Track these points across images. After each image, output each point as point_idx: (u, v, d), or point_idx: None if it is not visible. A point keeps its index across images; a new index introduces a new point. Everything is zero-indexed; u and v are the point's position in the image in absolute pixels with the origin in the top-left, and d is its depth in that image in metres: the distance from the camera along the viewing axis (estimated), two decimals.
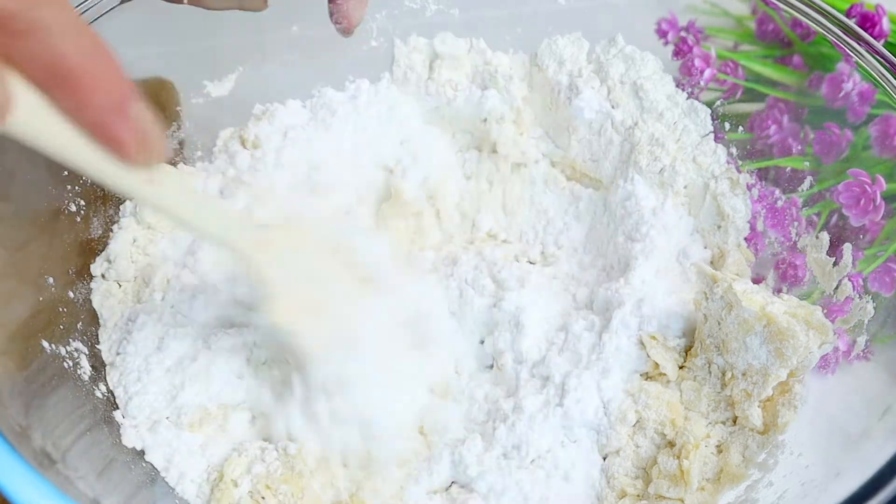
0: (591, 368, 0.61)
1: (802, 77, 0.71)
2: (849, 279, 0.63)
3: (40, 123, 0.38)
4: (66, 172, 0.65)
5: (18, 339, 0.57)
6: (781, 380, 0.57)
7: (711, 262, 0.69)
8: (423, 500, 0.58)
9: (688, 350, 0.63)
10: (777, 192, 0.70)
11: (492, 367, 0.67)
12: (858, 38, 0.65)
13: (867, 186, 0.63)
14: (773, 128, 0.71)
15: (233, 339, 0.63)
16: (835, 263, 0.64)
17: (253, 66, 0.76)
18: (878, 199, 0.63)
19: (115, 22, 0.67)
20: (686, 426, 0.59)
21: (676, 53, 0.75)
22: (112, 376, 0.61)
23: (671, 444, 0.59)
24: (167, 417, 0.60)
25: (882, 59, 0.64)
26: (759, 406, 0.58)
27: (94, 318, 0.65)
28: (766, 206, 0.70)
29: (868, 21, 0.75)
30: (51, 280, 0.62)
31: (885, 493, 0.46)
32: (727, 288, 0.59)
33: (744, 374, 0.59)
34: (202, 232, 0.53)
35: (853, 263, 0.63)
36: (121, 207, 0.69)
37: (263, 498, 0.57)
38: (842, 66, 0.66)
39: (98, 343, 0.64)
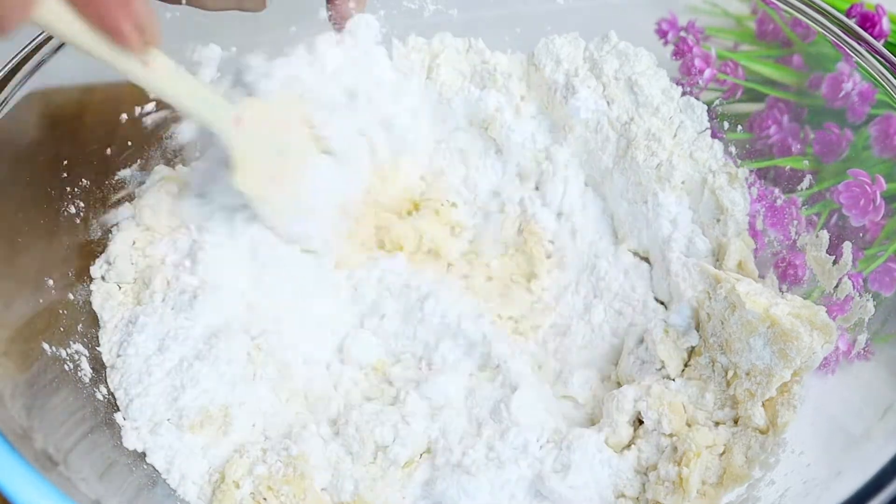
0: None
1: (802, 77, 0.71)
2: (849, 277, 0.63)
3: (57, 15, 0.44)
4: (65, 174, 0.65)
5: (19, 341, 0.57)
6: (785, 380, 0.58)
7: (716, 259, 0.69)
8: None
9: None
10: (777, 191, 0.70)
11: None
12: (858, 38, 0.65)
13: (867, 186, 0.63)
14: (773, 128, 0.71)
15: (233, 340, 0.63)
16: (835, 262, 0.64)
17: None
18: (878, 199, 0.63)
19: None
20: (689, 433, 0.59)
21: (676, 53, 0.75)
22: (112, 378, 0.61)
23: (674, 449, 0.59)
24: (168, 419, 0.59)
25: (882, 59, 0.64)
26: (762, 406, 0.58)
27: (94, 321, 0.65)
28: (765, 205, 0.70)
29: (868, 21, 0.75)
30: (50, 282, 0.62)
31: (887, 492, 0.46)
32: (730, 289, 0.59)
33: (747, 374, 0.59)
34: (187, 110, 0.59)
35: (853, 263, 0.63)
36: (119, 209, 0.69)
37: (265, 499, 0.57)
38: (842, 66, 0.66)
39: (98, 345, 0.63)
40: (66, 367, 0.59)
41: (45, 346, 0.58)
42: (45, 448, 0.49)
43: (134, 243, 0.68)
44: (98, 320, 0.65)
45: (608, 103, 0.73)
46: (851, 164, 0.66)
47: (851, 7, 0.77)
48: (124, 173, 0.71)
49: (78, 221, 0.66)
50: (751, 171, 0.71)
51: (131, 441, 0.58)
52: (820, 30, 0.67)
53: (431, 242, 0.73)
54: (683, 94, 0.73)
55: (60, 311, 0.62)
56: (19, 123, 0.62)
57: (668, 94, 0.73)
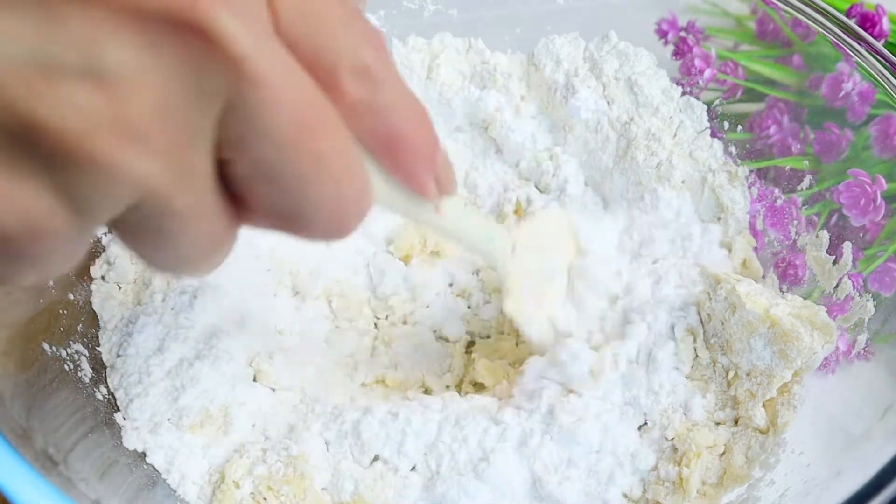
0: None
1: (802, 77, 0.71)
2: (849, 277, 0.63)
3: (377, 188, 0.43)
4: None
5: (19, 341, 0.57)
6: (786, 380, 0.58)
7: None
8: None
9: None
10: (777, 191, 0.70)
11: None
12: (858, 38, 0.65)
13: (867, 186, 0.63)
14: (773, 128, 0.71)
15: (234, 340, 0.63)
16: (835, 262, 0.64)
17: None
18: (879, 199, 0.63)
19: None
20: (689, 434, 0.59)
21: (676, 53, 0.75)
22: (112, 378, 0.61)
23: (674, 450, 0.59)
24: (168, 419, 0.59)
25: (882, 59, 0.64)
26: (762, 406, 0.58)
27: (94, 321, 0.65)
28: (765, 205, 0.70)
29: (868, 21, 0.75)
30: (51, 282, 0.62)
31: (887, 493, 0.46)
32: (731, 290, 0.59)
33: (748, 375, 0.59)
34: (471, 247, 0.59)
35: (853, 263, 0.63)
36: None
37: (265, 499, 0.57)
38: (842, 66, 0.67)
39: (98, 345, 0.63)
40: (66, 367, 0.59)
41: (45, 346, 0.58)
42: (45, 448, 0.49)
43: None
44: (98, 320, 0.65)
45: (608, 103, 0.73)
46: (851, 164, 0.66)
47: (851, 7, 0.77)
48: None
49: None
50: (751, 171, 0.71)
51: (131, 441, 0.58)
52: (820, 30, 0.67)
53: (435, 245, 0.73)
54: (683, 94, 0.73)
55: (60, 311, 0.62)
56: None
57: (668, 94, 0.73)
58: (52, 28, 0.28)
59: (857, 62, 0.65)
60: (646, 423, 0.60)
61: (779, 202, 0.69)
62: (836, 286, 0.64)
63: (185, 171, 0.31)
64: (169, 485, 0.58)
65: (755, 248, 0.69)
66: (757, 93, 0.73)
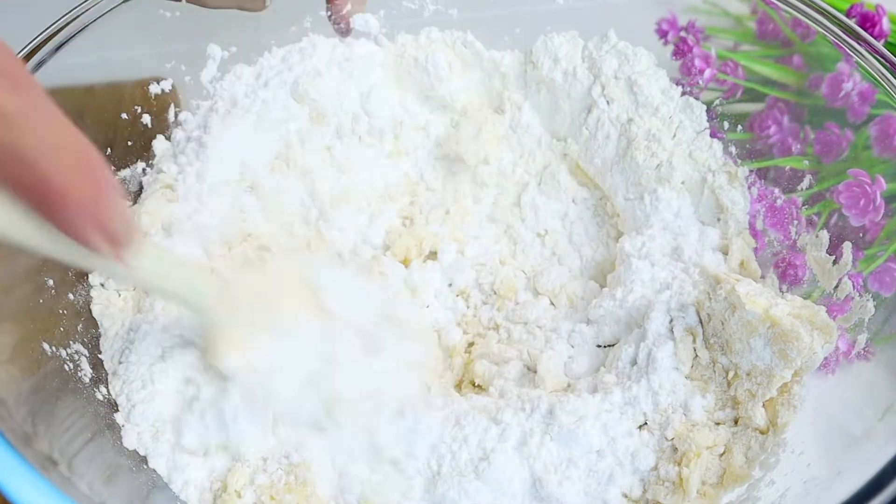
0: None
1: (802, 77, 0.71)
2: (849, 277, 0.63)
3: (13, 224, 0.41)
4: None
5: (23, 347, 0.57)
6: (786, 381, 0.58)
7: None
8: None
9: None
10: (777, 191, 0.70)
11: None
12: (858, 38, 0.65)
13: (867, 186, 0.63)
14: (773, 128, 0.71)
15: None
16: (835, 262, 0.64)
17: (251, 64, 0.75)
18: (878, 199, 0.63)
19: (116, 22, 0.66)
20: (689, 434, 0.58)
21: (676, 53, 0.75)
22: (114, 385, 0.61)
23: (674, 450, 0.59)
24: (177, 446, 0.59)
25: (882, 59, 0.64)
26: (762, 406, 0.58)
27: (94, 321, 0.65)
28: (765, 205, 0.70)
29: (868, 21, 0.75)
30: (51, 282, 0.62)
31: (887, 493, 0.46)
32: (730, 290, 0.59)
33: (748, 375, 0.59)
34: (174, 302, 0.57)
35: (853, 263, 0.63)
36: None
37: None
38: (842, 66, 0.67)
39: (98, 345, 0.63)
40: (66, 367, 0.59)
41: (45, 346, 0.58)
42: (50, 454, 0.49)
43: None
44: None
45: (608, 103, 0.73)
46: (851, 164, 0.66)
47: (851, 7, 0.77)
48: (124, 173, 0.71)
49: None
50: (751, 171, 0.71)
51: (131, 441, 0.58)
52: (820, 30, 0.67)
53: (433, 245, 0.74)
54: (683, 94, 0.73)
55: (60, 312, 0.62)
56: None
57: (667, 95, 0.73)
58: None
59: (857, 62, 0.65)
60: (646, 423, 0.60)
61: (779, 202, 0.69)
62: (837, 286, 0.64)
63: None
64: (171, 490, 0.58)
65: (755, 249, 0.69)
66: (757, 93, 0.73)
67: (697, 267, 0.65)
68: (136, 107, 0.71)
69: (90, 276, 0.66)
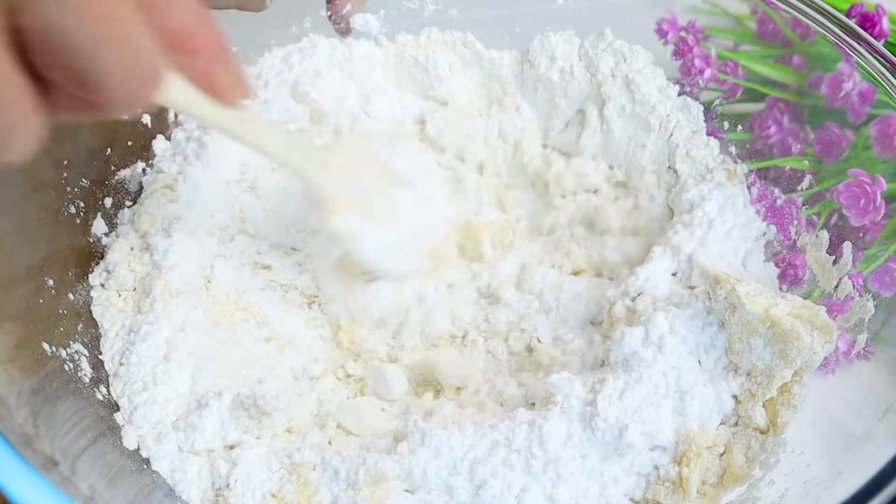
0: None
1: (802, 77, 0.71)
2: (849, 277, 0.63)
3: (175, 87, 0.47)
4: (65, 175, 0.65)
5: (24, 348, 0.56)
6: (786, 380, 0.58)
7: None
8: None
9: None
10: (777, 191, 0.70)
11: None
12: (858, 38, 0.65)
13: (867, 186, 0.63)
14: (773, 128, 0.71)
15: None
16: (835, 262, 0.64)
17: (252, 64, 0.75)
18: (878, 199, 0.63)
19: None
20: (689, 434, 0.59)
21: (676, 53, 0.75)
22: (115, 386, 0.61)
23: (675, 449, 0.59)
24: (179, 447, 0.60)
25: (882, 59, 0.64)
26: (762, 406, 0.58)
27: (93, 320, 0.65)
28: (765, 205, 0.70)
29: (868, 21, 0.75)
30: (51, 282, 0.62)
31: (887, 493, 0.46)
32: (730, 290, 0.59)
33: (748, 375, 0.59)
34: (281, 161, 0.62)
35: (853, 263, 0.63)
36: (119, 215, 0.69)
37: None
38: (842, 66, 0.67)
39: (98, 345, 0.63)
40: (66, 367, 0.59)
41: (46, 346, 0.58)
42: (51, 454, 0.49)
43: (132, 250, 0.68)
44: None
45: (605, 101, 0.73)
46: (851, 164, 0.66)
47: (851, 7, 0.77)
48: (124, 173, 0.71)
49: (78, 221, 0.66)
50: (751, 171, 0.71)
51: (131, 441, 0.58)
52: (820, 30, 0.67)
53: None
54: (682, 93, 0.73)
55: (60, 311, 0.62)
56: None
57: (664, 93, 0.73)
58: None
59: (857, 62, 0.65)
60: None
61: (779, 202, 0.69)
62: (837, 286, 0.64)
63: None
64: (174, 490, 0.58)
65: None
66: (757, 93, 0.73)
67: (697, 267, 0.65)
68: None
69: (90, 276, 0.66)
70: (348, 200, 0.64)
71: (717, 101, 0.73)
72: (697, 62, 0.73)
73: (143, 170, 0.72)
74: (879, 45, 0.65)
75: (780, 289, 0.67)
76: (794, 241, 0.68)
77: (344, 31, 0.75)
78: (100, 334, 0.64)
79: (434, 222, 0.72)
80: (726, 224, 0.68)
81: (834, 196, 0.65)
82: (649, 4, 0.77)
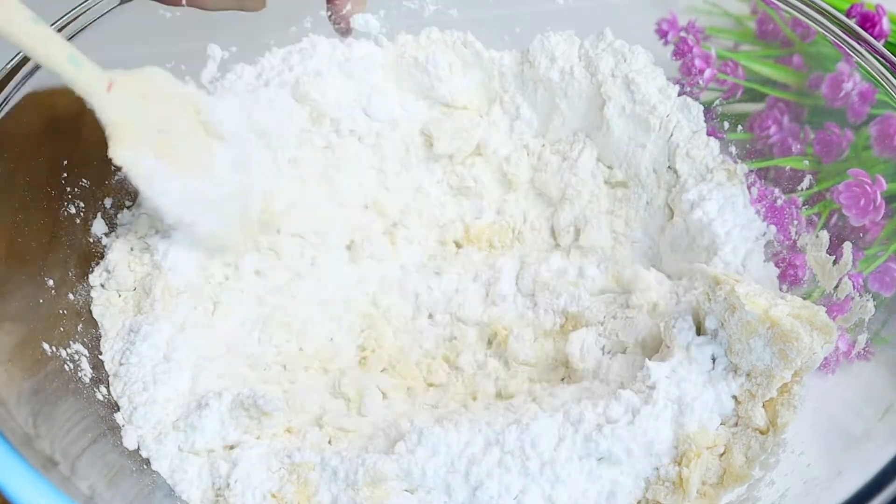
0: None
1: (802, 77, 0.71)
2: (849, 278, 0.63)
3: None
4: (65, 175, 0.65)
5: (24, 348, 0.57)
6: (786, 381, 0.57)
7: None
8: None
9: None
10: (777, 191, 0.70)
11: None
12: (858, 38, 0.65)
13: (867, 186, 0.63)
14: (773, 128, 0.71)
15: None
16: (835, 262, 0.64)
17: (252, 63, 0.75)
18: (879, 199, 0.63)
19: (116, 22, 0.66)
20: (689, 434, 0.59)
21: (676, 53, 0.75)
22: (115, 386, 0.61)
23: (675, 450, 0.59)
24: (179, 447, 0.60)
25: (882, 59, 0.64)
26: (762, 406, 0.58)
27: (93, 321, 0.65)
28: (765, 205, 0.70)
29: (868, 21, 0.75)
30: (50, 282, 0.62)
31: (887, 493, 0.46)
32: (730, 290, 0.59)
33: (748, 375, 0.59)
34: (54, 66, 0.56)
35: (853, 263, 0.63)
36: (118, 216, 0.69)
37: None
38: (842, 66, 0.66)
39: (98, 345, 0.63)
40: (66, 367, 0.59)
41: (46, 346, 0.58)
42: (51, 455, 0.49)
43: (131, 250, 0.68)
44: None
45: (605, 100, 0.73)
46: (851, 164, 0.66)
47: (851, 7, 0.77)
48: (124, 173, 0.71)
49: (78, 221, 0.66)
50: (751, 171, 0.71)
51: (131, 441, 0.59)
52: (820, 30, 0.67)
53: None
54: (682, 93, 0.73)
55: (60, 312, 0.62)
56: (19, 123, 0.62)
57: (664, 93, 0.73)
58: None
59: (857, 62, 0.65)
60: None
61: (779, 202, 0.69)
62: (837, 286, 0.63)
63: None
64: (174, 491, 0.58)
65: None
66: (757, 93, 0.73)
67: (697, 267, 0.65)
68: None
69: (90, 276, 0.66)
70: (144, 135, 0.60)
71: (717, 101, 0.73)
72: (697, 62, 0.73)
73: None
74: (879, 45, 0.65)
75: (780, 289, 0.67)
76: (794, 242, 0.68)
77: (344, 31, 0.75)
78: (100, 334, 0.64)
79: (250, 190, 0.67)
80: (726, 224, 0.68)
81: (834, 196, 0.65)
82: (649, 4, 0.77)
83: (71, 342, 0.61)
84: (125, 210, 0.70)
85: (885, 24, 0.75)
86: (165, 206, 0.62)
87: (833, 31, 0.67)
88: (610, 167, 0.76)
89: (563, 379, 0.68)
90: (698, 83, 0.73)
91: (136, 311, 0.65)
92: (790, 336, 0.56)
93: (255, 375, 0.66)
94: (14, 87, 0.62)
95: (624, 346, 0.66)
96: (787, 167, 0.70)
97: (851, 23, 0.67)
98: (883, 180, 0.63)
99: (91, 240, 0.67)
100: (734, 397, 0.59)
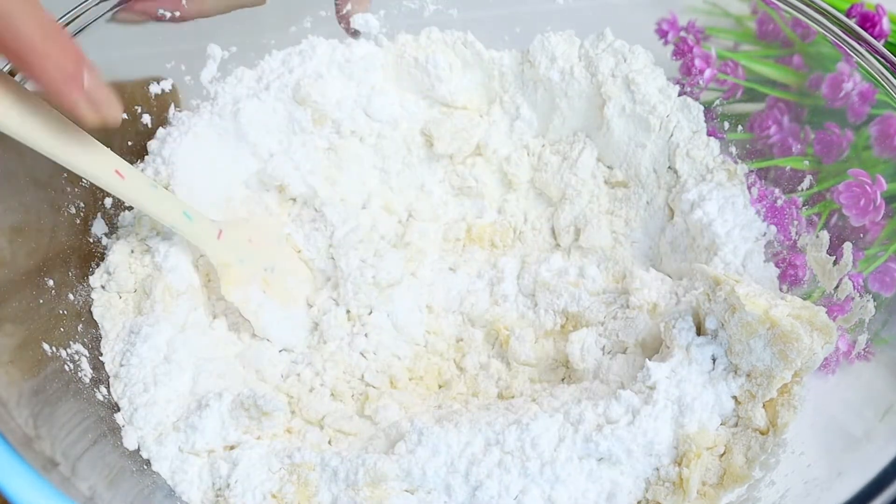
0: None
1: (802, 77, 0.71)
2: (849, 278, 0.63)
3: (23, 120, 0.48)
4: (65, 175, 0.65)
5: (24, 349, 0.57)
6: (786, 381, 0.57)
7: None
8: None
9: None
10: (777, 191, 0.70)
11: None
12: (858, 38, 0.65)
13: (867, 186, 0.63)
14: (774, 128, 0.71)
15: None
16: (835, 262, 0.64)
17: (252, 67, 0.75)
18: (879, 199, 0.63)
19: (115, 22, 0.66)
20: (689, 435, 0.59)
21: (676, 53, 0.75)
22: (116, 387, 0.61)
23: (675, 450, 0.59)
24: (179, 448, 0.60)
25: (882, 59, 0.64)
26: (762, 407, 0.58)
27: (93, 321, 0.65)
28: (766, 205, 0.70)
29: (868, 21, 0.75)
30: (50, 282, 0.62)
31: (887, 493, 0.46)
32: (730, 291, 0.59)
33: (748, 376, 0.59)
34: (170, 225, 0.63)
35: (853, 263, 0.63)
36: (119, 217, 0.69)
37: None
38: (842, 66, 0.66)
39: (98, 345, 0.63)
40: (66, 367, 0.59)
41: (46, 346, 0.58)
42: (52, 456, 0.49)
43: (132, 252, 0.68)
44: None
45: (605, 100, 0.73)
46: (852, 165, 0.66)
47: (851, 7, 0.77)
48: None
49: (78, 221, 0.66)
50: (751, 171, 0.71)
51: (131, 441, 0.59)
52: (820, 30, 0.67)
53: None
54: (683, 93, 0.73)
55: (60, 312, 0.62)
56: None
57: (664, 93, 0.73)
58: None
59: (857, 62, 0.65)
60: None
61: (779, 202, 0.69)
62: (837, 286, 0.63)
63: None
64: (174, 491, 0.58)
65: None
66: (757, 93, 0.73)
67: (697, 268, 0.65)
68: (136, 107, 0.71)
69: (91, 278, 0.66)
70: (251, 274, 0.68)
71: (717, 102, 0.73)
72: (697, 62, 0.73)
73: (143, 170, 0.72)
74: (879, 45, 0.65)
75: (781, 289, 0.67)
76: (795, 242, 0.68)
77: (350, 31, 0.75)
78: (100, 335, 0.64)
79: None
80: (726, 224, 0.68)
81: (834, 196, 0.65)
82: (649, 4, 0.77)
83: (71, 343, 0.61)
84: (126, 211, 0.69)
85: (885, 24, 0.75)
86: (259, 327, 0.68)
87: (833, 31, 0.67)
88: (610, 167, 0.76)
89: (563, 379, 0.69)
90: (698, 83, 0.73)
91: (137, 313, 0.65)
92: (790, 336, 0.56)
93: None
94: None
95: (624, 346, 0.66)
96: (788, 167, 0.70)
97: (851, 23, 0.67)
98: (883, 180, 0.63)
99: (91, 240, 0.67)
100: (734, 398, 0.59)
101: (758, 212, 0.70)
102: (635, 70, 0.72)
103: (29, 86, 0.60)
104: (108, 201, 0.69)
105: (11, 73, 0.60)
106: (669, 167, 0.73)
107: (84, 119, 0.49)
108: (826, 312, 0.58)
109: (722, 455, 0.59)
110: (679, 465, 0.57)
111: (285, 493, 0.57)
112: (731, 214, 0.69)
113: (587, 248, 0.74)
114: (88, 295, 0.65)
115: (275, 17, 0.72)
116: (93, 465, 0.53)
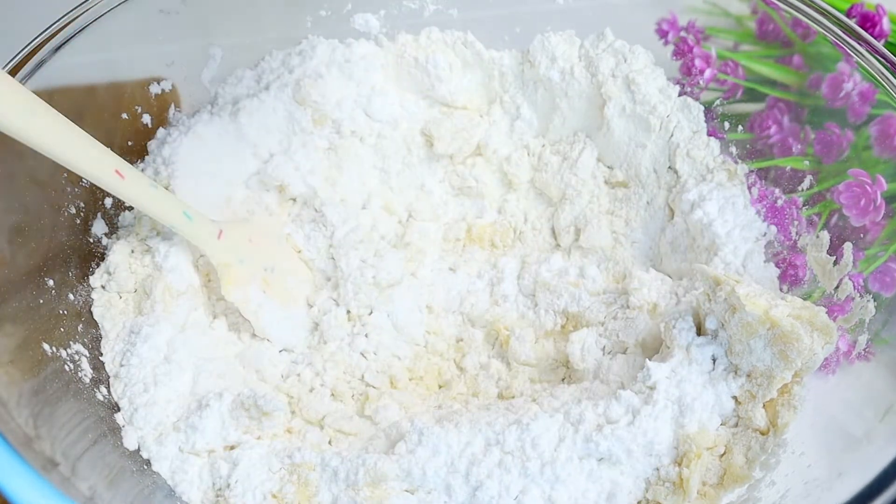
0: None
1: (802, 77, 0.71)
2: (849, 278, 0.63)
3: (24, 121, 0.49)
4: (65, 175, 0.65)
5: (25, 349, 0.57)
6: (786, 381, 0.57)
7: None
8: None
9: None
10: (777, 191, 0.70)
11: None
12: (859, 38, 0.65)
13: (867, 186, 0.63)
14: (774, 128, 0.71)
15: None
16: (835, 262, 0.64)
17: (252, 67, 0.75)
18: (879, 199, 0.63)
19: (115, 22, 0.66)
20: (689, 435, 0.59)
21: (677, 53, 0.75)
22: (116, 387, 0.61)
23: (675, 450, 0.59)
24: (180, 448, 0.60)
25: (882, 59, 0.64)
26: (762, 407, 0.58)
27: (94, 321, 0.65)
28: (766, 205, 0.70)
29: (868, 21, 0.75)
30: (51, 282, 0.62)
31: (888, 494, 0.46)
32: (730, 291, 0.59)
33: (748, 376, 0.59)
34: (170, 224, 0.64)
35: (854, 263, 0.63)
36: (119, 217, 0.69)
37: None
38: (842, 66, 0.66)
39: (98, 346, 0.63)
40: (66, 367, 0.59)
41: (46, 346, 0.58)
42: (52, 456, 0.49)
43: (132, 252, 0.68)
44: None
45: (605, 100, 0.73)
46: (852, 164, 0.66)
47: (851, 7, 0.77)
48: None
49: (78, 221, 0.66)
50: (751, 171, 0.71)
51: (132, 441, 0.59)
52: (820, 30, 0.67)
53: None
54: (683, 94, 0.73)
55: (61, 312, 0.62)
56: None
57: (665, 93, 0.73)
58: None
59: (857, 62, 0.65)
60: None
61: (779, 202, 0.69)
62: (837, 287, 0.63)
63: None
64: (174, 491, 0.58)
65: None
66: (757, 93, 0.73)
67: (697, 268, 0.65)
68: (136, 107, 0.71)
69: (91, 277, 0.66)
70: (251, 274, 0.68)
71: (717, 102, 0.73)
72: (698, 62, 0.73)
73: (143, 170, 0.72)
74: (879, 45, 0.65)
75: (781, 289, 0.67)
76: (795, 242, 0.68)
77: None
78: (100, 335, 0.64)
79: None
80: (727, 224, 0.68)
81: (834, 196, 0.65)
82: (649, 4, 0.77)
83: (71, 343, 0.61)
84: (126, 211, 0.70)
85: (885, 24, 0.75)
86: (259, 327, 0.68)
87: (833, 31, 0.66)
88: (610, 167, 0.76)
89: (563, 379, 0.69)
90: (698, 83, 0.73)
91: (137, 313, 0.65)
92: (790, 337, 0.56)
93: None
94: None
95: (624, 346, 0.66)
96: (788, 167, 0.70)
97: (851, 23, 0.67)
98: (883, 180, 0.63)
99: (91, 240, 0.67)
100: (734, 398, 0.59)
101: (758, 212, 0.70)
102: (635, 70, 0.72)
103: (29, 85, 0.61)
104: (108, 201, 0.69)
105: (11, 73, 0.61)
106: (670, 167, 0.73)
107: None
108: (826, 312, 0.58)
109: (722, 455, 0.59)
110: (679, 465, 0.57)
111: (285, 493, 0.57)
112: (731, 214, 0.69)
113: (587, 249, 0.74)
114: (88, 295, 0.65)
115: (275, 17, 0.72)
116: (93, 465, 0.53)
